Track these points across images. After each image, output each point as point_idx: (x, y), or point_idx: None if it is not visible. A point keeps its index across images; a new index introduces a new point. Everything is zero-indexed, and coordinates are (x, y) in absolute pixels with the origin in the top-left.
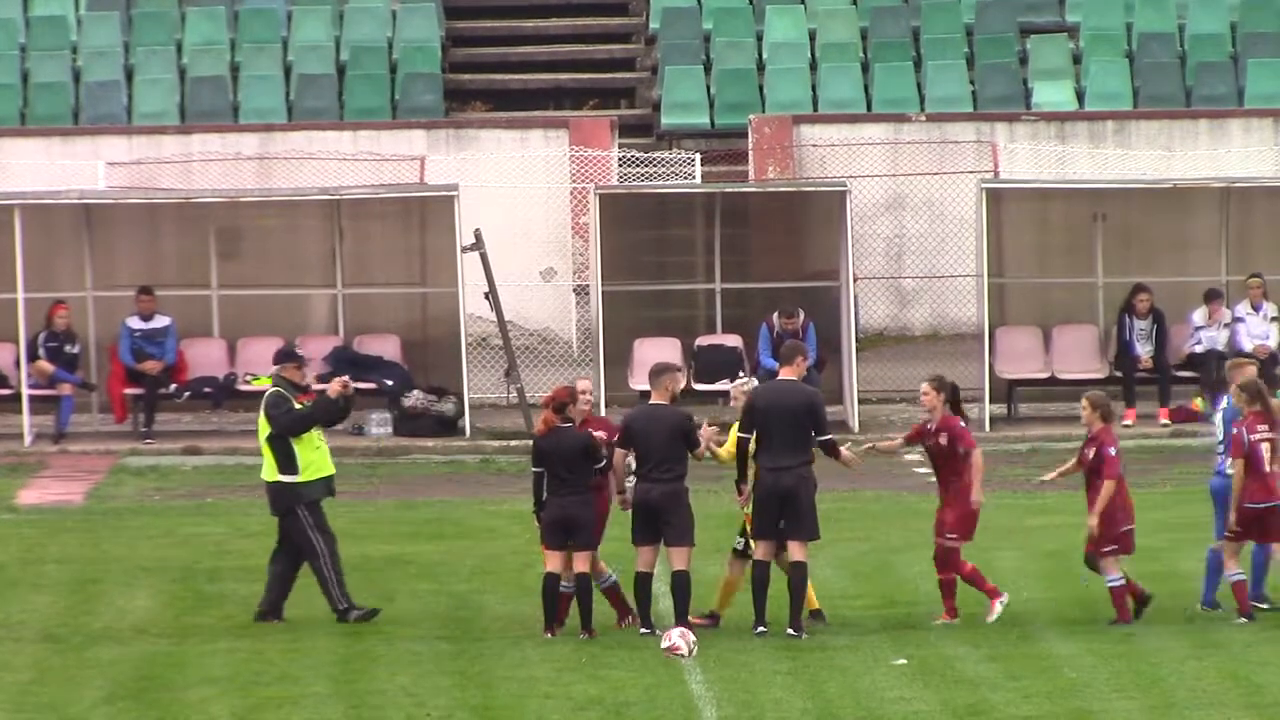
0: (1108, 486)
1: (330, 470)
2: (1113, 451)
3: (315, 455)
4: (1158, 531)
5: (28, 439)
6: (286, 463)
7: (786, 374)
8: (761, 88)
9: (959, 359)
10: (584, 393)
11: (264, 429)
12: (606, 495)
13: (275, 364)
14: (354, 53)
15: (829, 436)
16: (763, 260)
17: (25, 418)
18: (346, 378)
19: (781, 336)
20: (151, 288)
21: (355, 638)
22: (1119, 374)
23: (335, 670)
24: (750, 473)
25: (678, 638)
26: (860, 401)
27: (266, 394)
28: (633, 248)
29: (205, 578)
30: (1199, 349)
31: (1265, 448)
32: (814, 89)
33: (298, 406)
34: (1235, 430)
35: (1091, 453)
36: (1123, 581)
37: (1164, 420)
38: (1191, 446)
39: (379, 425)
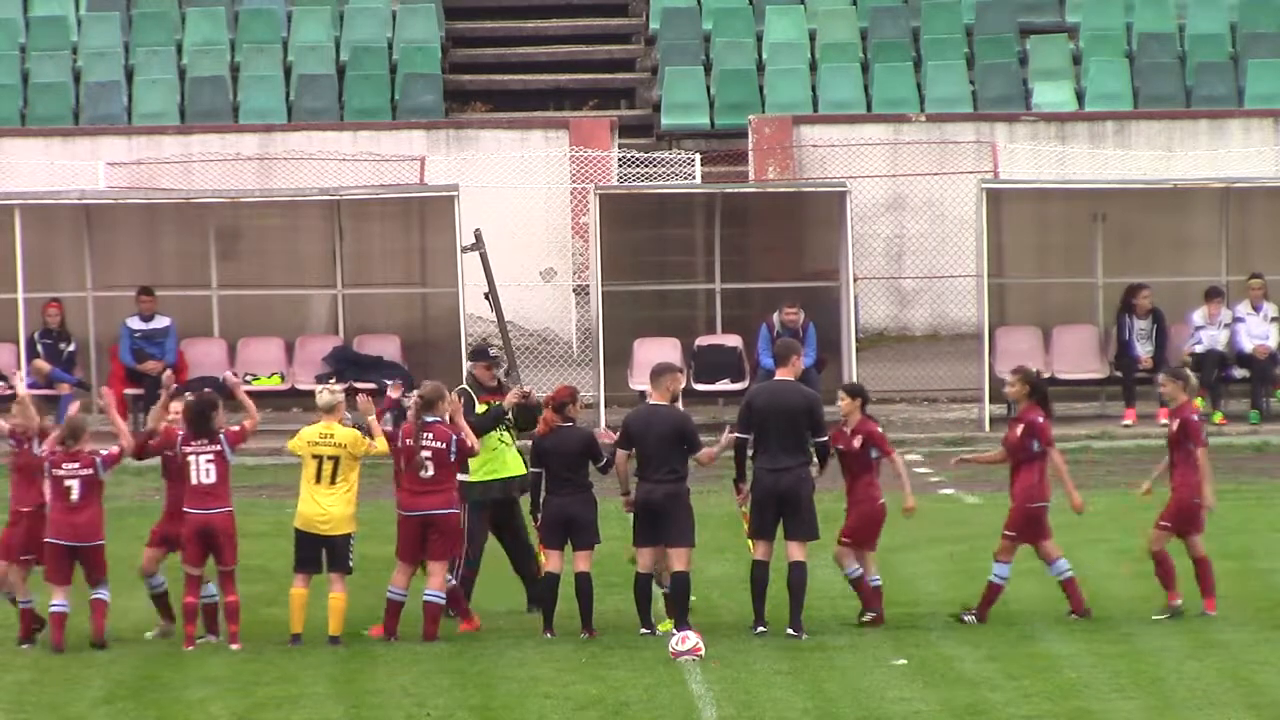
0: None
1: (510, 471)
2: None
3: (489, 456)
4: None
5: None
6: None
7: (782, 374)
8: (761, 88)
9: (959, 359)
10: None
11: None
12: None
13: (469, 360)
14: (354, 53)
15: (825, 439)
16: (763, 260)
17: None
18: (520, 389)
19: (781, 334)
20: (151, 288)
21: (355, 638)
22: (1119, 374)
23: (335, 670)
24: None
25: (694, 638)
26: None
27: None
28: (633, 248)
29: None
30: (1199, 349)
31: None
32: (814, 89)
33: (479, 408)
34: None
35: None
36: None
37: (1164, 420)
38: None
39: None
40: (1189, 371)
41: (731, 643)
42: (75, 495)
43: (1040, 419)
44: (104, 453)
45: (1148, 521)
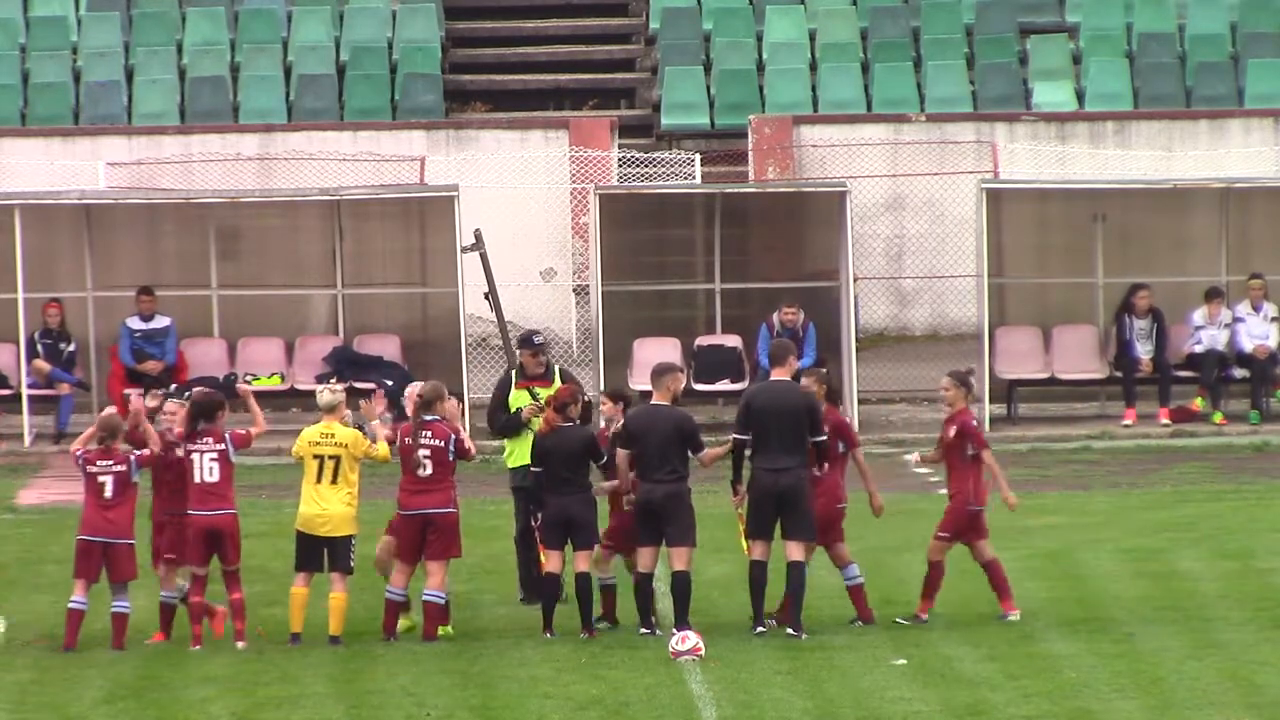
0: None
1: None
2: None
3: (521, 443)
4: (1158, 531)
5: (28, 439)
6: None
7: (778, 374)
8: (761, 88)
9: (959, 359)
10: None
11: None
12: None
13: (517, 347)
14: (354, 53)
15: (823, 438)
16: (763, 260)
17: (25, 418)
18: (539, 408)
19: (781, 334)
20: (151, 288)
21: (355, 638)
22: (1119, 374)
23: (335, 670)
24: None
25: (694, 638)
26: (860, 402)
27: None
28: (633, 248)
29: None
30: (1199, 349)
31: None
32: (814, 89)
33: (514, 395)
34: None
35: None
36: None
37: (1164, 420)
38: (1191, 446)
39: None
40: (971, 378)
41: (731, 643)
42: (109, 492)
43: (847, 420)
44: (136, 454)
45: (1148, 521)
